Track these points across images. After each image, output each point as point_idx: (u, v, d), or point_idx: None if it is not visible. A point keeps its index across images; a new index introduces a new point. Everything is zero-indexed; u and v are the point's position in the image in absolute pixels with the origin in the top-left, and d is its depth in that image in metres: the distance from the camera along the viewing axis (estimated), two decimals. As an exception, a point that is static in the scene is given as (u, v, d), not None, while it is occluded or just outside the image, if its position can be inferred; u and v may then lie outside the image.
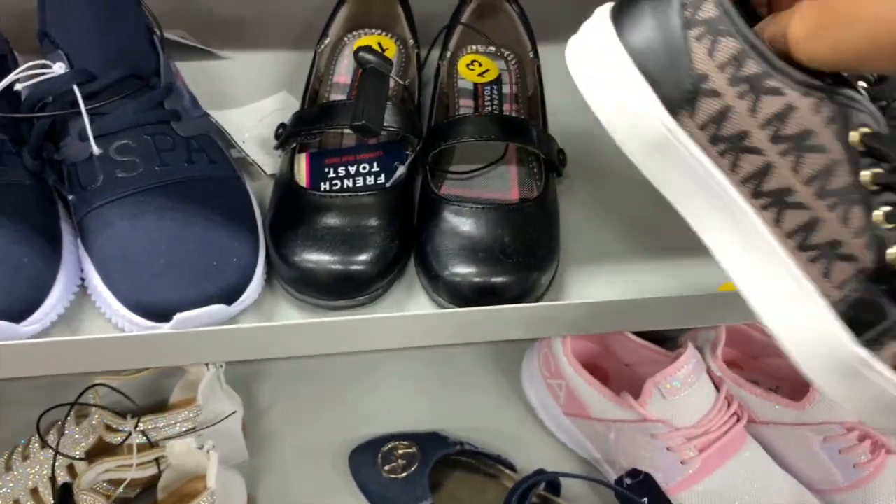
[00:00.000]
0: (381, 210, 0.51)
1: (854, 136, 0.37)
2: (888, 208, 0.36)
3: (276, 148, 0.56)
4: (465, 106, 0.60)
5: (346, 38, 0.64)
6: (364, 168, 0.54)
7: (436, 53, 0.64)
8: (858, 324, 0.37)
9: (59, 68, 0.50)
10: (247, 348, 0.47)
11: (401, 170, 0.53)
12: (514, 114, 0.60)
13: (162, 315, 0.45)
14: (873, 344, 0.36)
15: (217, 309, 0.45)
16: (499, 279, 0.48)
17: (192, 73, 0.60)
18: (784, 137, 0.38)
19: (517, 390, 0.84)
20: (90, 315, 0.49)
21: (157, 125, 0.52)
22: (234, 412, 0.72)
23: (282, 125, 0.57)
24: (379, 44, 0.63)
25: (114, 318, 0.48)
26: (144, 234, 0.47)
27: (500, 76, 0.62)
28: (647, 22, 0.40)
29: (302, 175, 0.54)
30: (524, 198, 0.54)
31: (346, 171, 0.54)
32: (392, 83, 0.59)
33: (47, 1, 0.52)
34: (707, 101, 0.39)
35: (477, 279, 0.48)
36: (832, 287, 0.37)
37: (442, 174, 0.56)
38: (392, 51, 0.63)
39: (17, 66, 0.51)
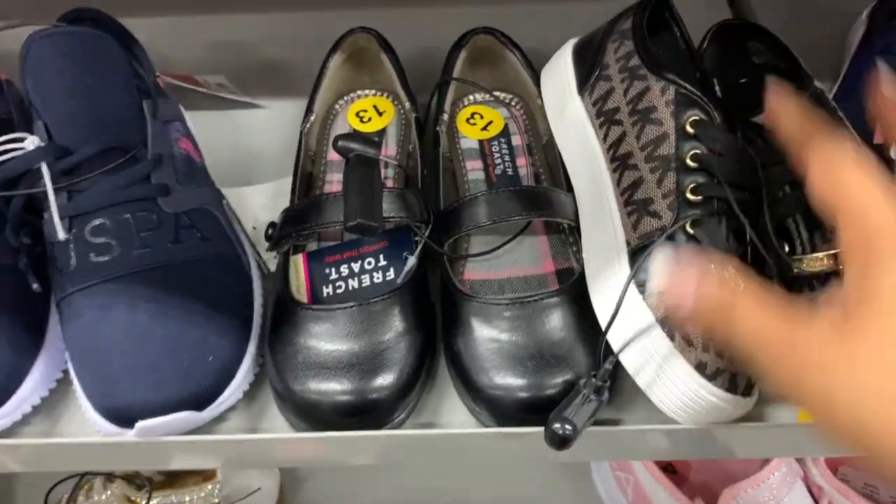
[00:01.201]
0: (396, 316, 0.45)
1: (685, 118, 0.45)
2: (694, 184, 0.43)
3: (269, 250, 0.51)
4: (473, 169, 0.55)
5: (336, 106, 0.59)
6: (370, 263, 0.49)
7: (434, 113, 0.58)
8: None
9: (30, 143, 0.48)
10: (229, 456, 0.43)
11: (411, 261, 0.48)
12: (529, 168, 0.55)
13: (126, 420, 0.42)
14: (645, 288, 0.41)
15: (184, 416, 0.41)
16: (552, 391, 0.43)
17: (221, 125, 0.56)
18: (637, 111, 0.47)
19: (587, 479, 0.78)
20: (72, 405, 0.47)
21: (139, 202, 0.48)
22: (260, 488, 0.68)
23: (272, 224, 0.51)
24: (375, 107, 0.58)
25: (87, 413, 0.45)
26: (113, 327, 0.44)
27: (506, 127, 0.57)
28: (589, 35, 0.54)
29: (300, 280, 0.49)
30: (560, 269, 0.49)
31: (350, 269, 0.49)
32: (385, 163, 0.54)
33: (27, 64, 0.49)
34: (601, 83, 0.50)
35: (526, 394, 0.43)
36: (636, 236, 0.44)
37: (461, 257, 0.50)
38: (390, 113, 0.58)
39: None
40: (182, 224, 0.48)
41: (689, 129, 0.44)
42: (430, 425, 0.47)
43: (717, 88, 0.54)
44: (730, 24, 0.56)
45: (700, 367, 0.40)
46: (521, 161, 0.55)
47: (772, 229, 0.45)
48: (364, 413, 0.43)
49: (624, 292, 0.41)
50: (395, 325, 0.45)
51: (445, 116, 0.56)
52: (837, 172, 0.30)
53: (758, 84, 0.52)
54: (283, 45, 0.66)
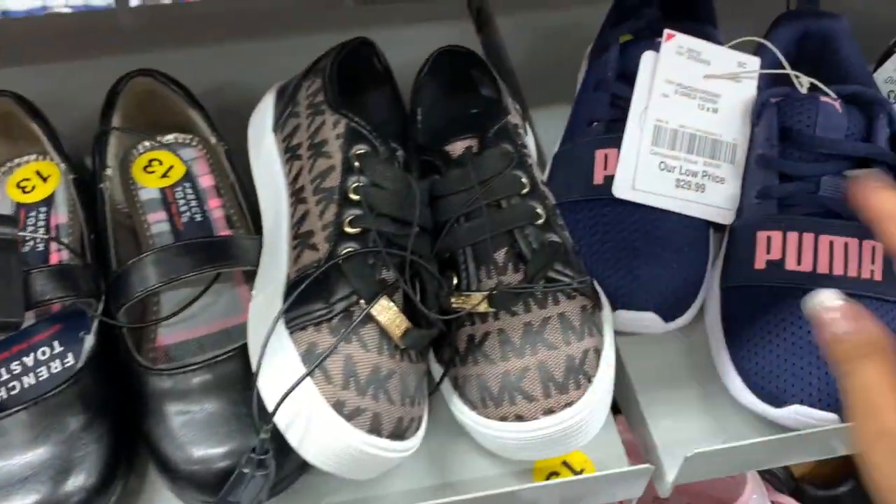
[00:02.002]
0: (78, 406, 0.42)
1: (352, 151, 0.45)
2: (352, 216, 0.43)
3: None
4: (157, 221, 0.51)
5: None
6: (44, 353, 0.45)
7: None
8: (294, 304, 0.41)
9: None
10: None
11: (89, 340, 0.44)
12: (220, 210, 0.52)
13: None
14: (296, 324, 0.40)
15: None
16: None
17: None
18: (313, 146, 0.47)
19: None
20: None
21: None
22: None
23: None
24: (38, 173, 0.52)
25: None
26: None
27: (188, 170, 0.54)
28: (295, 76, 0.54)
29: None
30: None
31: (23, 364, 0.44)
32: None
33: None
34: (291, 120, 0.50)
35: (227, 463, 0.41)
36: (294, 269, 0.43)
37: (151, 323, 0.47)
38: (56, 177, 0.52)
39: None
40: None
41: (355, 163, 0.44)
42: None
43: (418, 119, 0.54)
44: (451, 51, 0.56)
45: (338, 406, 0.38)
46: (213, 204, 0.53)
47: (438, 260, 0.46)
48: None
49: (271, 330, 0.40)
50: (78, 418, 0.42)
51: (109, 171, 0.52)
52: None
53: (462, 112, 0.56)
54: None
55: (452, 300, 0.45)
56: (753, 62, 0.55)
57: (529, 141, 0.54)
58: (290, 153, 0.48)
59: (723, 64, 0.54)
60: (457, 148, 0.49)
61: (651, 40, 0.55)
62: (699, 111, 0.53)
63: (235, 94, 0.58)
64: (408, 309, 0.42)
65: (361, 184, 0.43)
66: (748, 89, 0.54)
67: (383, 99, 0.56)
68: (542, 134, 0.60)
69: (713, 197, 0.52)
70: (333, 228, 0.43)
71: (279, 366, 0.39)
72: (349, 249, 0.41)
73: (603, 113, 0.54)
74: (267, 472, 0.39)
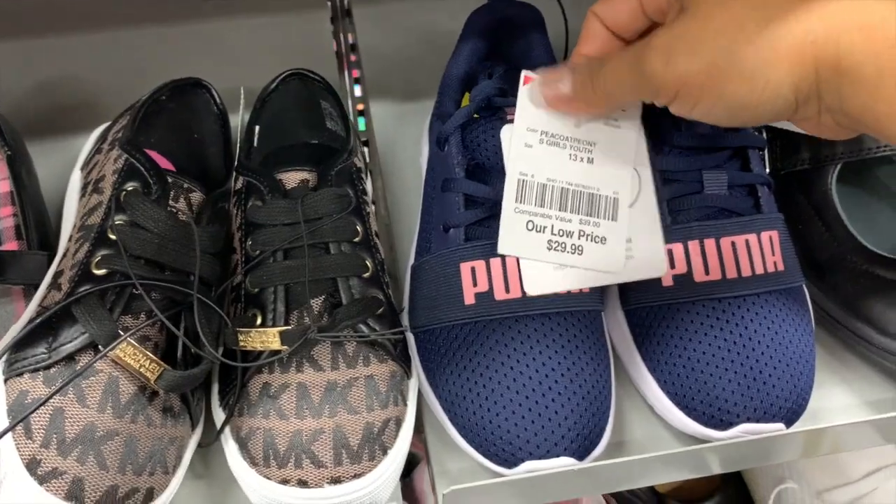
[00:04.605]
0: None
1: (122, 188, 0.42)
2: (101, 256, 0.40)
3: None
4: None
5: None
6: None
7: None
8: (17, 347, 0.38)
9: None
10: None
11: None
12: (10, 219, 0.48)
13: None
14: (13, 369, 0.38)
15: None
16: None
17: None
18: (94, 181, 0.45)
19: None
20: None
21: None
22: None
23: None
24: None
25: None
26: None
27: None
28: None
29: None
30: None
31: None
32: None
33: None
34: (96, 157, 0.49)
35: None
36: (36, 310, 0.41)
37: None
38: None
39: None
40: None
41: (121, 200, 0.42)
42: None
43: (254, 138, 0.52)
44: (303, 75, 0.53)
45: (32, 465, 0.35)
46: (4, 212, 0.49)
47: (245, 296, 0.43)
48: None
49: None
50: None
51: None
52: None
53: (304, 142, 0.53)
54: None
55: (240, 338, 0.41)
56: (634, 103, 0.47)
57: (369, 187, 0.51)
58: (83, 191, 0.47)
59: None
60: (290, 178, 0.45)
61: (499, 113, 0.46)
62: (571, 162, 0.45)
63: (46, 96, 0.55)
64: (170, 355, 0.40)
65: (121, 223, 0.41)
66: (629, 132, 0.46)
67: (211, 141, 0.53)
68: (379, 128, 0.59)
69: (593, 259, 0.45)
70: (80, 268, 0.40)
71: None
72: (88, 290, 0.39)
73: (458, 218, 0.45)
74: None
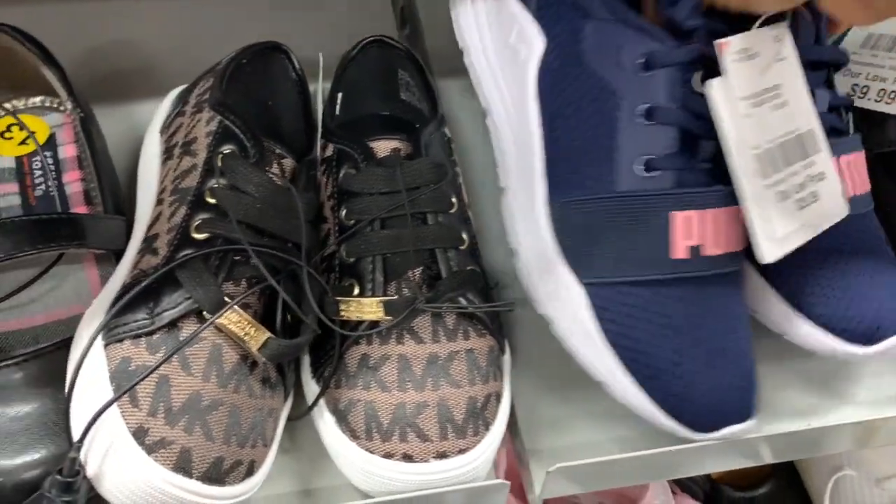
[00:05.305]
0: None
1: (218, 151, 0.40)
2: (201, 220, 0.38)
3: None
4: (7, 194, 0.46)
5: None
6: None
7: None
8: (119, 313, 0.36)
9: None
10: None
11: None
12: (79, 184, 0.47)
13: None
14: (113, 335, 0.36)
15: None
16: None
17: None
18: (185, 144, 0.43)
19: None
20: None
21: None
22: None
23: None
24: None
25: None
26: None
27: (52, 137, 0.48)
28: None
29: None
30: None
31: None
32: None
33: None
34: (177, 120, 0.46)
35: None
36: (131, 275, 0.38)
37: None
38: None
39: None
40: None
41: (219, 163, 0.40)
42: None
43: (337, 104, 0.50)
44: (383, 42, 0.51)
45: (139, 434, 0.33)
46: (72, 176, 0.48)
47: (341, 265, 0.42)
48: None
49: (90, 344, 0.35)
50: None
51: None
52: None
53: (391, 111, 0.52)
54: None
55: (341, 308, 0.40)
56: (780, 29, 0.43)
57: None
58: (167, 154, 0.45)
59: (762, 48, 0.42)
60: (382, 146, 0.44)
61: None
62: (775, 113, 0.42)
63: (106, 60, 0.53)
64: (266, 323, 0.38)
65: (219, 186, 0.39)
66: (791, 61, 0.43)
67: (290, 107, 0.51)
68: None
69: (827, 200, 0.43)
70: (178, 232, 0.39)
71: (87, 381, 0.35)
72: (188, 255, 0.37)
73: (668, 160, 0.40)
74: (72, 499, 0.33)
